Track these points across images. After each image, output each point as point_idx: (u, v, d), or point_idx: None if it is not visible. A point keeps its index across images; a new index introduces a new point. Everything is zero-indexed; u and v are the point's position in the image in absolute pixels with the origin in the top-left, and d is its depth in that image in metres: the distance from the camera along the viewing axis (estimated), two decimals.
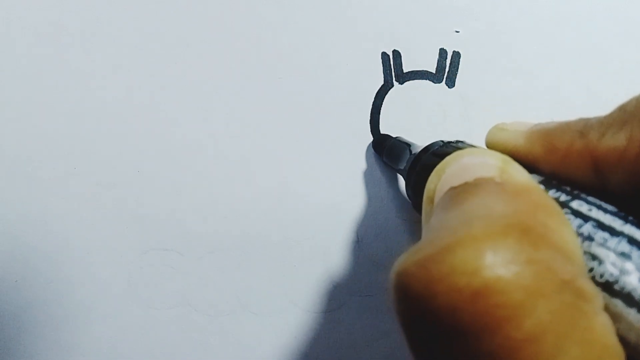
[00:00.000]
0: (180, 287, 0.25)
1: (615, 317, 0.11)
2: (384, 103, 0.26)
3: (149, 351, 0.25)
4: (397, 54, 0.26)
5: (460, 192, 0.13)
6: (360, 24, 0.26)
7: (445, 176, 0.14)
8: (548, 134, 0.15)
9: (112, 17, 0.25)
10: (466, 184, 0.13)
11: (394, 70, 0.26)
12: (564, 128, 0.14)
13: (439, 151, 0.18)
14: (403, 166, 0.22)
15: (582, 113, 0.15)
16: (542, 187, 0.14)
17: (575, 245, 0.12)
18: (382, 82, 0.26)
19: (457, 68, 0.26)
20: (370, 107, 0.26)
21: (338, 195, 0.26)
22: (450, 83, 0.26)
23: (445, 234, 0.11)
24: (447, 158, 0.15)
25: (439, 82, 0.26)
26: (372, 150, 0.26)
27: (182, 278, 0.25)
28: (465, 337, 0.10)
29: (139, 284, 0.25)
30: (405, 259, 0.11)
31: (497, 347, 0.10)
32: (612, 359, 0.10)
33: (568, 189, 0.13)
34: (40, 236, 0.25)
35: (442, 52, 0.26)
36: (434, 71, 0.26)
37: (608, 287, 0.11)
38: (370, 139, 0.26)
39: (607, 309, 0.11)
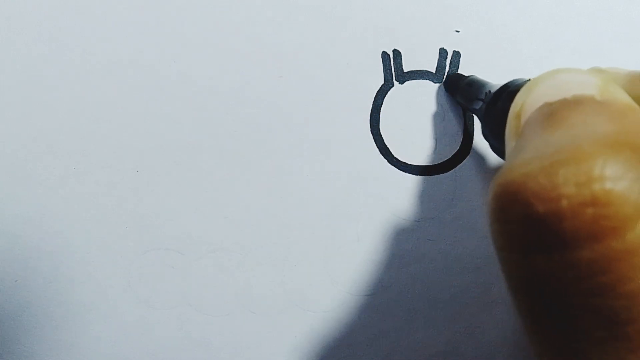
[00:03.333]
0: (180, 287, 0.25)
1: None
2: (384, 103, 0.26)
3: (149, 351, 0.25)
4: (397, 53, 0.26)
5: (559, 108, 0.13)
6: (360, 24, 0.26)
7: (538, 91, 0.14)
8: None
9: (111, 16, 0.25)
10: (565, 100, 0.13)
11: (394, 69, 0.26)
12: None
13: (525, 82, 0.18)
14: (479, 106, 0.22)
15: None
16: None
17: None
18: (382, 82, 0.26)
19: (458, 68, 0.26)
20: (371, 106, 0.26)
21: (338, 195, 0.26)
22: None
23: (554, 149, 0.11)
24: (541, 75, 0.15)
25: (439, 82, 0.26)
26: (372, 149, 0.26)
27: (182, 278, 0.25)
28: (567, 244, 0.10)
29: (139, 284, 0.25)
30: (511, 171, 0.12)
31: (598, 255, 0.10)
32: None
33: None
34: (40, 236, 0.25)
35: (443, 52, 0.26)
36: (434, 71, 0.26)
37: None
38: (370, 139, 0.26)
39: None
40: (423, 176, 0.26)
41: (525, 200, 0.11)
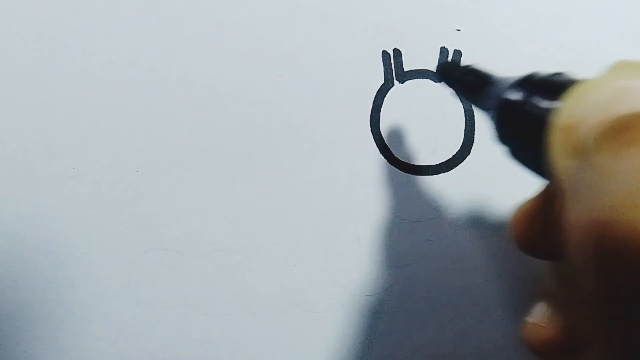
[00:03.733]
0: (180, 287, 0.25)
1: None
2: (384, 102, 0.26)
3: (149, 351, 0.25)
4: (397, 52, 0.26)
5: (636, 124, 0.11)
6: (360, 23, 0.26)
7: (596, 100, 0.12)
8: None
9: (111, 16, 0.25)
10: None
11: (395, 69, 0.26)
12: None
13: (561, 79, 0.15)
14: (488, 103, 0.19)
15: None
16: None
17: None
18: (382, 81, 0.26)
19: None
20: (371, 106, 0.26)
21: (338, 195, 0.25)
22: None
23: None
24: (592, 80, 0.13)
25: (440, 81, 0.26)
26: (372, 149, 0.26)
27: (182, 278, 0.25)
28: None
29: (139, 284, 0.25)
30: (611, 209, 0.10)
31: None
32: None
33: None
34: (40, 236, 0.25)
35: (443, 51, 0.26)
36: (435, 70, 0.26)
37: None
38: (370, 138, 0.26)
39: None
40: (423, 176, 0.26)
41: (632, 243, 0.10)
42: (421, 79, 0.26)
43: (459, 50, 0.26)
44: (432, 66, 0.26)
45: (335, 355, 0.25)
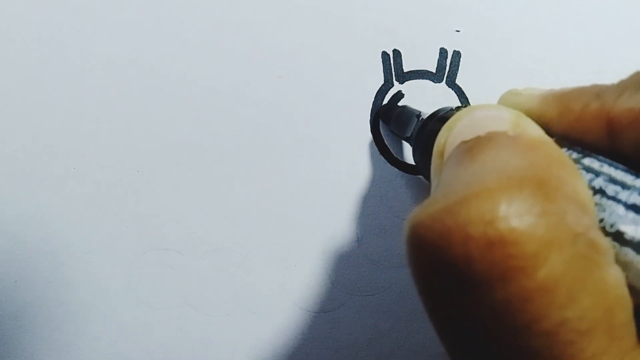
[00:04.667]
0: (180, 287, 0.25)
1: (625, 266, 0.11)
2: (384, 102, 0.26)
3: (149, 351, 0.25)
4: (397, 53, 0.26)
5: (472, 146, 0.13)
6: (360, 24, 0.26)
7: (456, 130, 0.14)
8: (563, 96, 0.15)
9: (111, 16, 0.25)
10: (478, 137, 0.13)
11: (394, 69, 0.26)
12: (580, 91, 0.14)
13: (450, 114, 0.18)
14: (410, 133, 0.22)
15: None
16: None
17: (588, 197, 0.12)
18: (382, 82, 0.26)
19: (458, 67, 0.26)
20: (371, 106, 0.26)
21: (338, 195, 0.26)
22: (451, 82, 0.26)
23: (460, 187, 0.11)
24: (459, 112, 0.15)
25: (440, 82, 0.26)
26: (372, 149, 0.26)
27: (182, 278, 0.25)
28: (479, 286, 0.10)
29: (139, 284, 0.25)
30: (420, 212, 0.11)
31: (511, 296, 0.10)
32: (622, 310, 0.10)
33: (579, 148, 0.14)
34: (40, 236, 0.25)
35: (443, 52, 0.26)
36: (434, 71, 0.26)
37: (618, 236, 0.11)
38: (371, 138, 0.26)
39: (616, 258, 0.11)
40: (423, 176, 0.26)
41: (433, 243, 0.11)
42: (421, 80, 0.26)
43: (458, 51, 0.26)
44: (432, 67, 0.26)
45: (335, 355, 0.25)
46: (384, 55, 0.26)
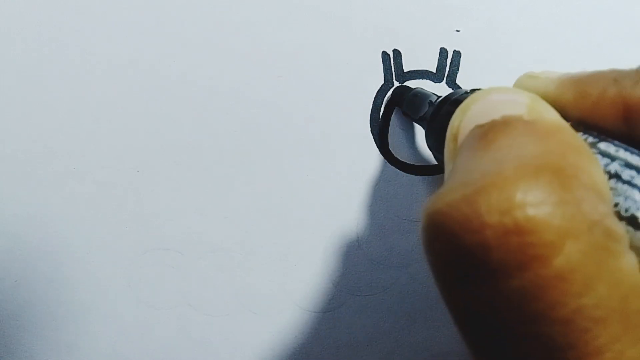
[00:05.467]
0: (180, 287, 0.25)
1: (638, 251, 0.11)
2: (384, 102, 0.26)
3: (149, 351, 0.25)
4: (397, 53, 0.26)
5: (487, 130, 0.13)
6: (360, 23, 0.26)
7: (470, 113, 0.14)
8: (580, 81, 0.15)
9: (111, 17, 0.25)
10: (494, 122, 0.13)
11: (395, 69, 0.26)
12: (598, 75, 0.14)
13: (464, 96, 0.18)
14: (423, 113, 0.22)
15: None
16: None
17: (604, 184, 0.12)
18: (382, 82, 0.26)
19: (458, 67, 0.26)
20: (371, 106, 0.26)
21: (338, 195, 0.26)
22: (451, 82, 0.26)
23: (477, 175, 0.11)
24: (473, 95, 0.15)
25: (440, 82, 0.26)
26: (372, 149, 0.26)
27: (182, 278, 0.25)
28: (496, 274, 0.10)
29: (139, 284, 0.25)
30: (437, 200, 0.11)
31: (527, 283, 0.10)
32: (636, 297, 0.10)
33: (595, 133, 0.14)
34: (40, 236, 0.25)
35: (443, 52, 0.26)
36: (434, 70, 0.26)
37: (633, 221, 0.11)
38: (370, 139, 0.26)
39: (631, 243, 0.11)
40: (423, 176, 0.26)
41: (451, 231, 0.11)
42: (421, 80, 0.26)
43: (459, 51, 0.26)
44: (432, 67, 0.26)
45: (335, 355, 0.25)
46: (384, 55, 0.26)
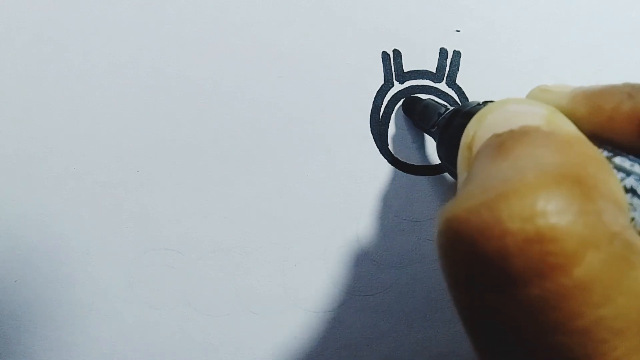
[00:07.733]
0: (180, 287, 0.25)
1: None
2: (384, 102, 0.26)
3: (149, 351, 0.25)
4: (397, 53, 0.26)
5: (506, 139, 0.13)
6: (360, 24, 0.26)
7: (487, 122, 0.14)
8: (594, 95, 0.15)
9: (111, 17, 0.25)
10: (512, 131, 0.13)
11: (395, 69, 0.26)
12: (612, 90, 0.14)
13: (477, 108, 0.18)
14: (434, 123, 0.22)
15: None
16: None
17: (622, 196, 0.12)
18: (382, 82, 0.26)
19: (458, 67, 0.26)
20: (371, 106, 0.26)
21: (338, 195, 0.26)
22: (451, 82, 0.26)
23: (497, 182, 0.11)
24: (489, 105, 0.15)
25: (440, 82, 0.26)
26: (372, 149, 0.26)
27: (182, 278, 0.25)
28: (515, 282, 0.10)
29: (139, 284, 0.25)
30: (455, 206, 0.11)
31: (547, 293, 0.10)
32: None
33: (609, 147, 0.14)
34: (40, 236, 0.25)
35: (443, 52, 0.26)
36: (434, 70, 0.26)
37: None
38: (370, 138, 0.26)
39: None
40: (423, 176, 0.26)
41: (470, 237, 0.11)
42: (421, 80, 0.26)
43: (459, 51, 0.26)
44: (432, 67, 0.26)
45: (335, 355, 0.25)
46: (384, 55, 0.26)
